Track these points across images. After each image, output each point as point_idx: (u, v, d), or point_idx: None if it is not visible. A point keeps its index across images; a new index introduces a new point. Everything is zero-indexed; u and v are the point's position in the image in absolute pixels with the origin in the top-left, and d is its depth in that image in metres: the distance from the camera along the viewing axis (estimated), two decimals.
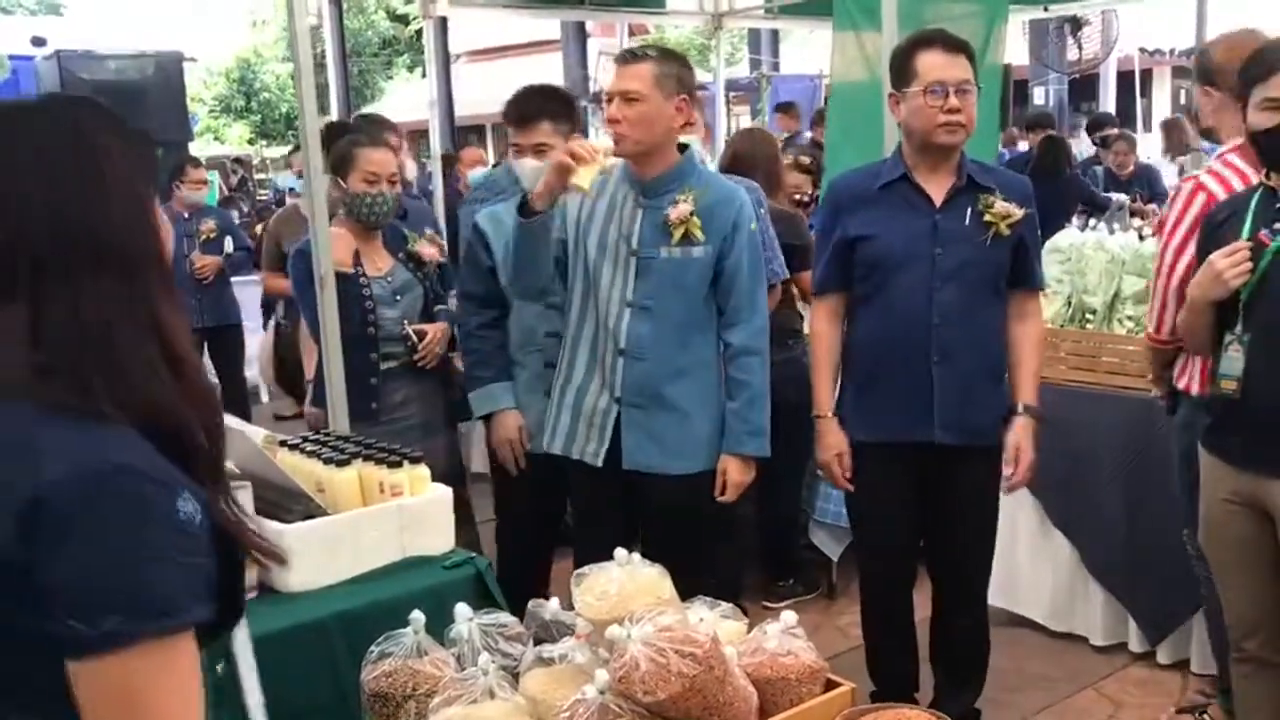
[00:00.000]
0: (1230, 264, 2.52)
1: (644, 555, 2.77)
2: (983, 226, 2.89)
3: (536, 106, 3.39)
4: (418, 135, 14.48)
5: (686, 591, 1.97)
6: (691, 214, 2.88)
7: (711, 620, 1.95)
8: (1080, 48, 9.17)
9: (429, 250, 3.68)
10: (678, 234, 2.89)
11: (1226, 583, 2.75)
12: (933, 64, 2.84)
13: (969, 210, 2.90)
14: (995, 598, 4.02)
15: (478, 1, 6.99)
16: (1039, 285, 3.12)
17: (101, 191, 1.15)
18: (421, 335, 3.54)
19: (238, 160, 18.42)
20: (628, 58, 2.94)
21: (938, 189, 2.92)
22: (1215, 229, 2.68)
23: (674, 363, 2.96)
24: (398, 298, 3.56)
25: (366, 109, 25.18)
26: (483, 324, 3.35)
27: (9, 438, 1.08)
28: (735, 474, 3.00)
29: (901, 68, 2.90)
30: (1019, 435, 2.97)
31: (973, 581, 3.14)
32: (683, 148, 3.01)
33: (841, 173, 3.39)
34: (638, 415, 2.97)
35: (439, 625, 2.02)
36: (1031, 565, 3.98)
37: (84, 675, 1.05)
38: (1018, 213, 2.90)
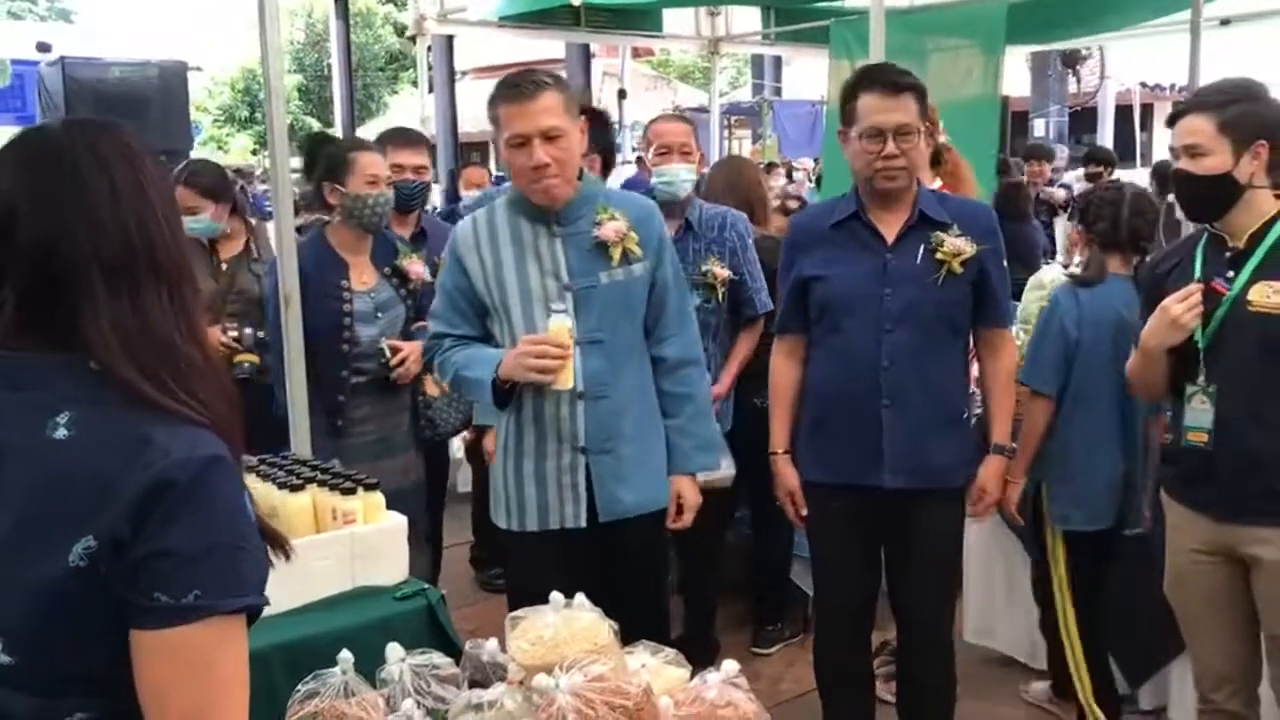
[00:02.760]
0: (1185, 307, 2.51)
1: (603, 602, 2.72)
2: (934, 265, 2.80)
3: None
4: None
5: (648, 634, 1.91)
6: (629, 230, 2.72)
7: (654, 667, 1.89)
8: (1079, 81, 9.15)
9: (417, 268, 3.61)
10: (617, 254, 2.72)
11: (1195, 635, 2.71)
12: (871, 107, 2.76)
13: (921, 249, 2.81)
14: (973, 636, 4.00)
15: (470, 20, 6.97)
16: (1005, 323, 3.02)
17: (151, 210, 1.28)
18: (396, 351, 3.46)
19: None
20: (530, 90, 2.61)
21: (890, 227, 2.85)
22: (1162, 277, 2.66)
23: (632, 393, 2.78)
24: (379, 315, 3.49)
25: (370, 123, 25.25)
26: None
27: (123, 431, 1.20)
28: (690, 494, 2.84)
29: (845, 107, 2.84)
30: (985, 474, 2.94)
31: (934, 626, 3.03)
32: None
33: (804, 209, 3.35)
34: (606, 461, 2.76)
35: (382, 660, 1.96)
36: (1008, 603, 3.92)
37: (154, 644, 1.18)
38: (969, 250, 2.79)
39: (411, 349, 3.48)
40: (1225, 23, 7.20)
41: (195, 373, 1.27)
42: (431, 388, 3.63)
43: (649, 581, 2.90)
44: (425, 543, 3.72)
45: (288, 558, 1.39)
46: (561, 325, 2.62)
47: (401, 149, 4.13)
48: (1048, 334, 3.23)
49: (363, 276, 3.51)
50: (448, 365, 2.82)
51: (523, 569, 2.89)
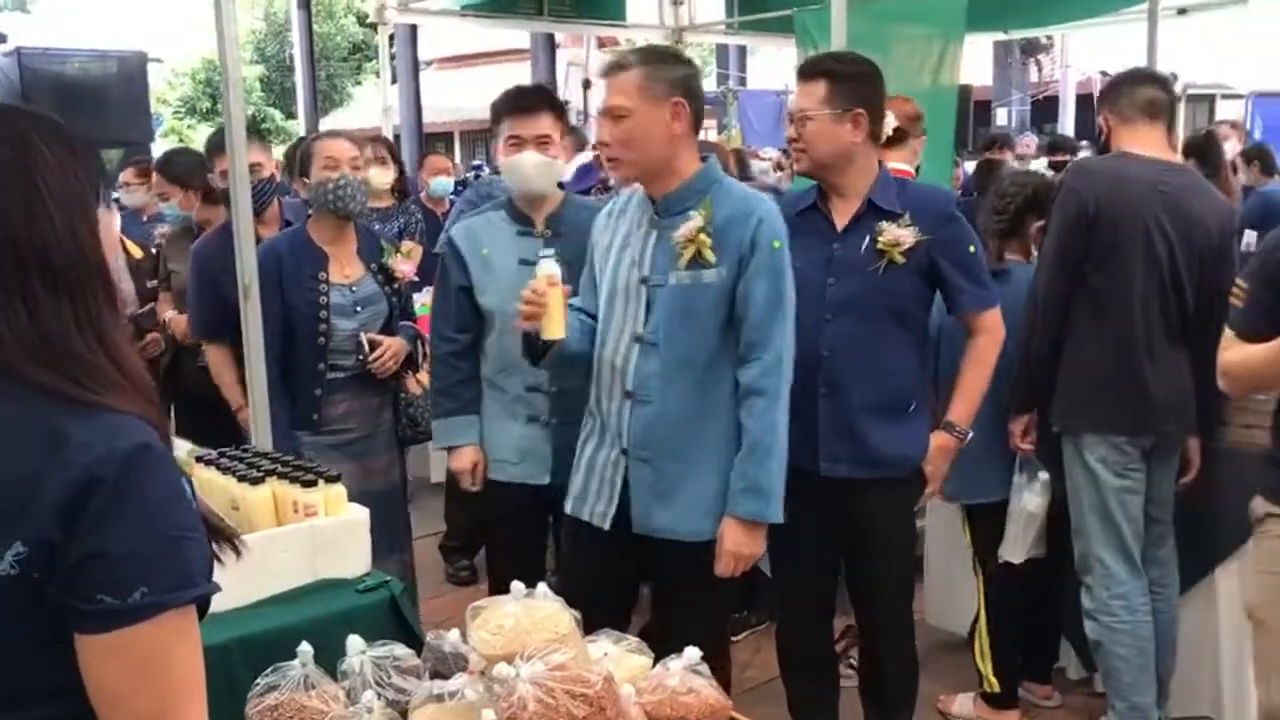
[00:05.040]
0: None
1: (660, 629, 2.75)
2: (877, 255, 2.80)
3: (538, 97, 3.14)
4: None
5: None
6: (700, 231, 2.53)
7: (616, 655, 1.90)
8: (1040, 70, 9.22)
9: (404, 267, 3.55)
10: (686, 255, 2.55)
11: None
12: (795, 93, 2.86)
13: (867, 238, 2.81)
14: (934, 618, 4.04)
15: (432, 10, 6.93)
16: (978, 305, 2.90)
17: (42, 207, 1.17)
18: (375, 345, 3.40)
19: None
20: (610, 69, 2.59)
21: (843, 215, 2.86)
22: None
23: (684, 406, 2.59)
24: (358, 309, 3.41)
25: (334, 114, 25.07)
26: (453, 353, 3.12)
27: (38, 428, 1.14)
28: (728, 540, 2.58)
29: None
30: (930, 451, 2.93)
31: (892, 612, 3.04)
32: (703, 156, 2.67)
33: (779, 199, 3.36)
34: (645, 471, 2.62)
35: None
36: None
37: (103, 648, 1.13)
38: (910, 240, 2.76)
39: (391, 344, 3.44)
40: (1183, 12, 7.27)
41: (109, 383, 1.19)
42: (414, 386, 3.57)
43: (700, 616, 2.68)
44: (404, 550, 3.66)
45: (238, 555, 1.34)
46: (545, 270, 2.51)
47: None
48: (944, 330, 3.23)
49: (345, 269, 3.43)
50: None
51: (566, 556, 2.95)
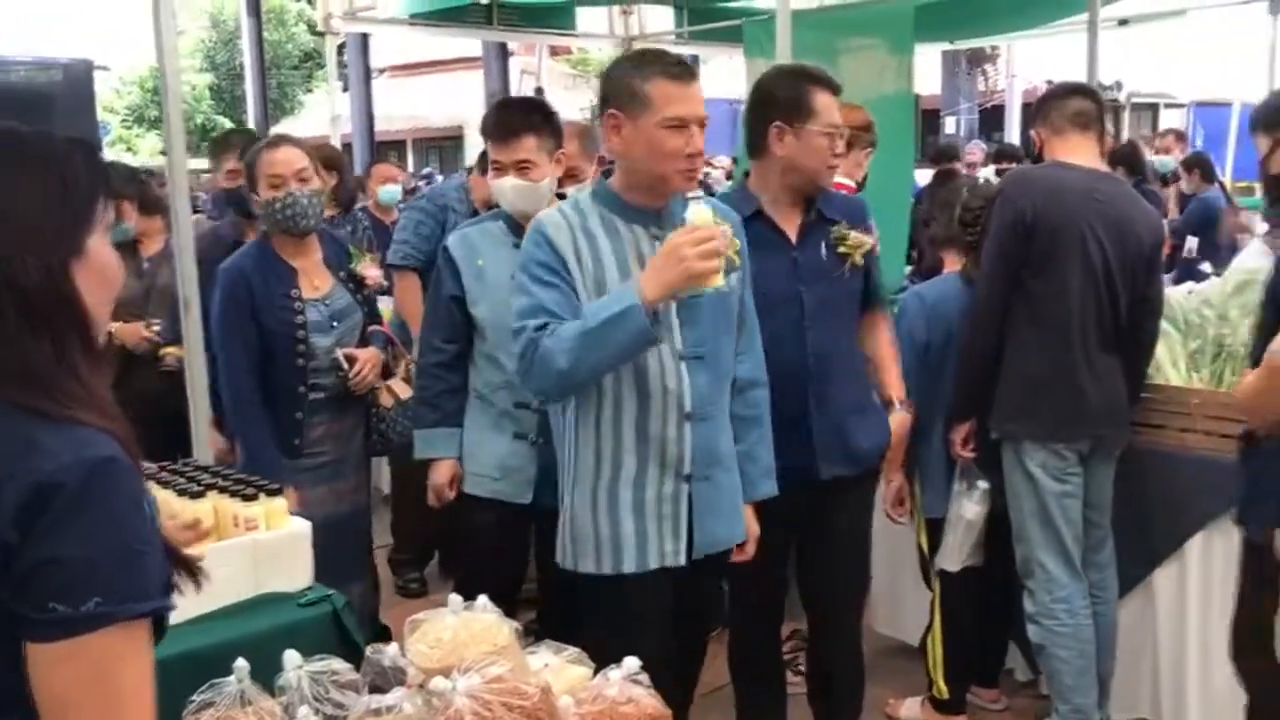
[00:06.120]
0: None
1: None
2: (839, 259, 2.88)
3: (520, 120, 3.04)
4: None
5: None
6: (733, 235, 2.45)
7: (556, 666, 1.90)
8: (987, 79, 9.36)
9: (373, 272, 3.45)
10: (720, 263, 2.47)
11: None
12: (828, 105, 2.85)
13: (822, 244, 2.88)
14: (882, 625, 4.07)
15: (379, 18, 6.91)
16: (885, 306, 3.16)
17: (21, 248, 1.19)
18: (352, 361, 3.28)
19: (150, 172, 17.99)
20: (692, 74, 2.43)
21: (790, 224, 2.89)
22: None
23: (726, 415, 2.56)
24: (334, 324, 3.28)
25: (285, 122, 24.85)
26: (439, 363, 3.07)
27: (9, 435, 1.16)
28: (754, 524, 2.65)
29: (793, 102, 2.87)
30: (899, 434, 3.10)
31: (849, 612, 3.12)
32: None
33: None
34: (705, 489, 2.50)
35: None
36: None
37: (53, 657, 1.13)
38: (869, 240, 2.90)
39: (368, 357, 3.33)
40: (1124, 23, 7.41)
41: (82, 402, 1.21)
42: (386, 398, 3.47)
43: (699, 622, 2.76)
44: (370, 570, 3.61)
45: (198, 586, 1.33)
46: (706, 212, 2.29)
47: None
48: (899, 347, 3.29)
49: (314, 282, 3.29)
50: (561, 340, 2.29)
51: (617, 619, 2.49)
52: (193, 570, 1.33)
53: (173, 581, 1.24)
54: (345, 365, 3.27)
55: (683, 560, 2.48)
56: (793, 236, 2.88)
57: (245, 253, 3.33)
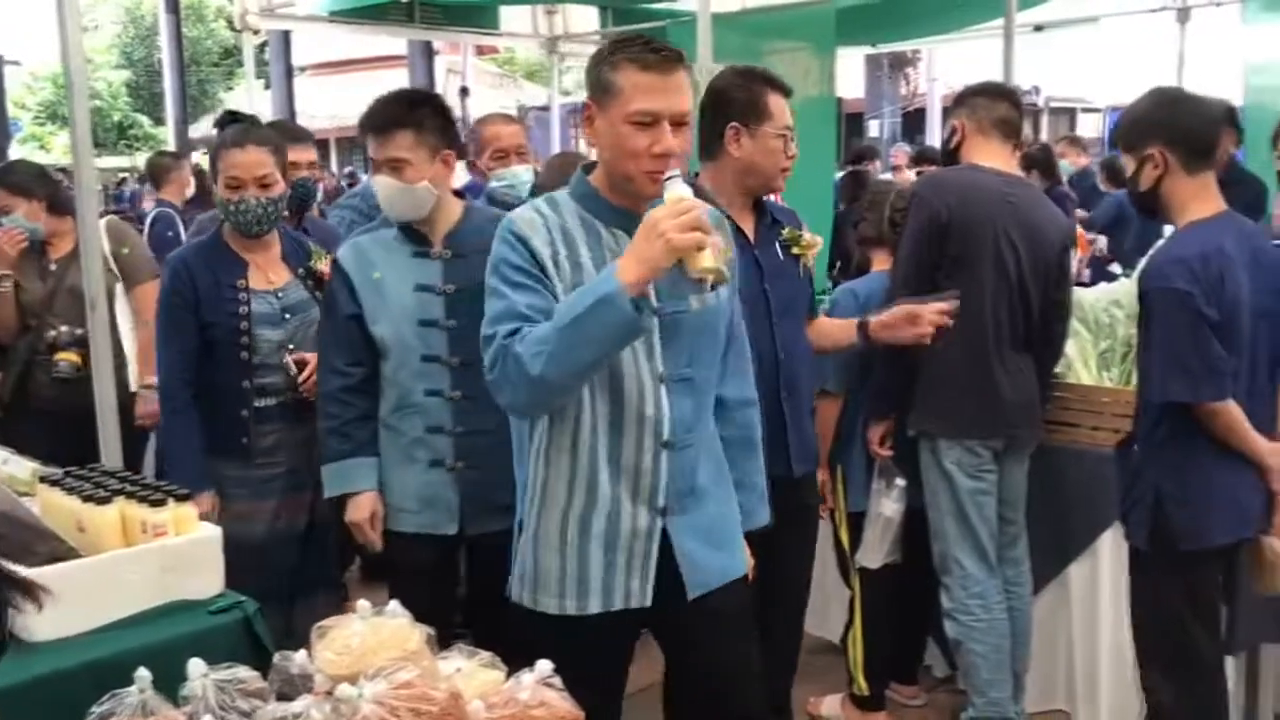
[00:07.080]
0: None
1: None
2: (794, 259, 2.96)
3: (396, 114, 2.78)
4: None
5: None
6: (726, 246, 2.13)
7: (469, 670, 1.87)
8: (909, 83, 9.49)
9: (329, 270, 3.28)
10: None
11: None
12: (781, 107, 2.89)
13: (777, 245, 2.95)
14: (808, 624, 4.08)
15: (298, 15, 6.80)
16: (818, 309, 3.24)
17: None
18: (302, 365, 3.09)
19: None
20: (672, 61, 2.08)
21: (747, 226, 2.92)
22: None
23: (705, 441, 2.31)
24: (286, 316, 3.12)
25: (205, 120, 24.40)
26: (346, 388, 2.80)
27: None
28: (750, 554, 2.43)
29: (747, 103, 2.90)
30: (825, 414, 3.33)
31: (798, 612, 3.23)
32: (587, 166, 2.36)
33: None
34: (682, 522, 2.25)
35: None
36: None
37: None
38: (819, 241, 3.01)
39: (316, 361, 3.12)
40: (1039, 29, 7.57)
41: None
42: None
43: (738, 660, 2.38)
44: (336, 584, 3.49)
45: (39, 607, 1.25)
46: (685, 189, 2.02)
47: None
48: None
49: (269, 275, 3.15)
50: (534, 343, 2.03)
51: (572, 660, 1.92)
52: (32, 593, 1.24)
53: (11, 603, 1.16)
54: (293, 369, 3.10)
55: (648, 601, 2.25)
56: (751, 237, 2.90)
57: (193, 244, 3.23)
